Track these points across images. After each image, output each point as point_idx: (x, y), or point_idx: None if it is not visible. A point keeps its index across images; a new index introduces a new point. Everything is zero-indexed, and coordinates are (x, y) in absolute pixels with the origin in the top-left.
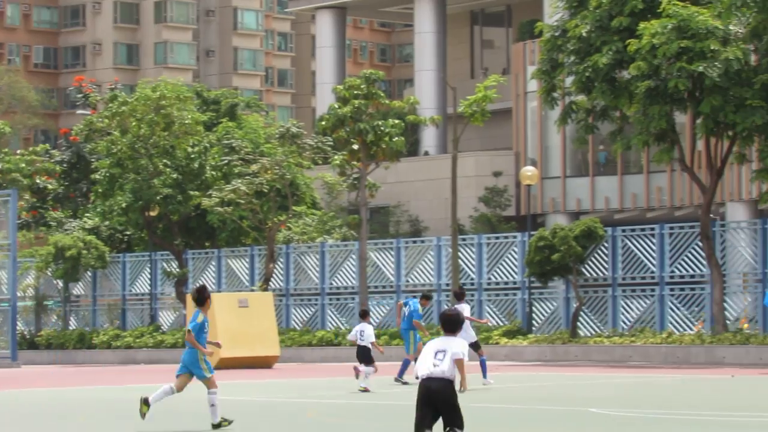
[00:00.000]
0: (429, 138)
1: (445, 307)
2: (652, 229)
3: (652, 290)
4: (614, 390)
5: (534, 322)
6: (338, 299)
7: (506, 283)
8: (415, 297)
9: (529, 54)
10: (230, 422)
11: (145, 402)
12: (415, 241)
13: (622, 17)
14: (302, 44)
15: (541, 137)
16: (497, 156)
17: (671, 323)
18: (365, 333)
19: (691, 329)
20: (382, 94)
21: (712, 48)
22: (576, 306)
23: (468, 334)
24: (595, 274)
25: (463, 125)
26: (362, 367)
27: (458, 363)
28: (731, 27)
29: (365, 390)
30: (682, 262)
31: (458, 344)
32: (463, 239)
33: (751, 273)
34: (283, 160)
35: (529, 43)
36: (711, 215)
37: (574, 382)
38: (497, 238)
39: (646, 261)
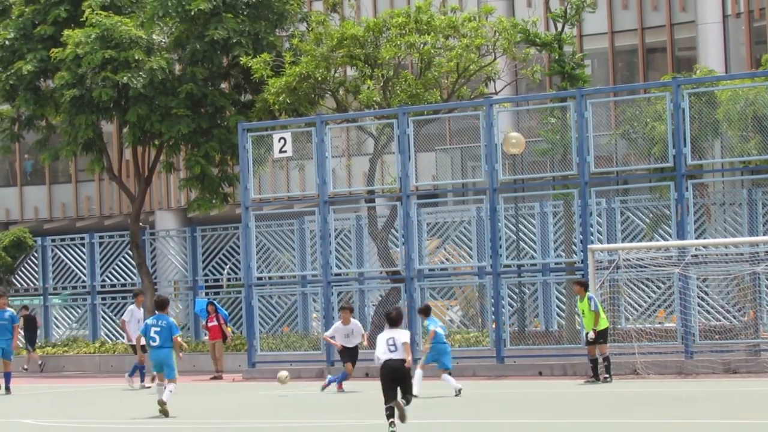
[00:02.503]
0: None
1: None
2: (83, 238)
3: (84, 299)
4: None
5: None
6: None
7: None
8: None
9: None
10: None
11: None
12: None
13: (45, 26)
14: None
15: None
16: None
17: (104, 333)
18: None
19: (123, 338)
20: None
21: (136, 57)
22: None
23: None
24: (26, 284)
25: None
26: None
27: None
28: (155, 36)
29: None
30: (114, 271)
31: (404, 333)
32: None
33: (181, 281)
34: None
35: None
36: (140, 224)
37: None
38: None
39: (77, 270)
